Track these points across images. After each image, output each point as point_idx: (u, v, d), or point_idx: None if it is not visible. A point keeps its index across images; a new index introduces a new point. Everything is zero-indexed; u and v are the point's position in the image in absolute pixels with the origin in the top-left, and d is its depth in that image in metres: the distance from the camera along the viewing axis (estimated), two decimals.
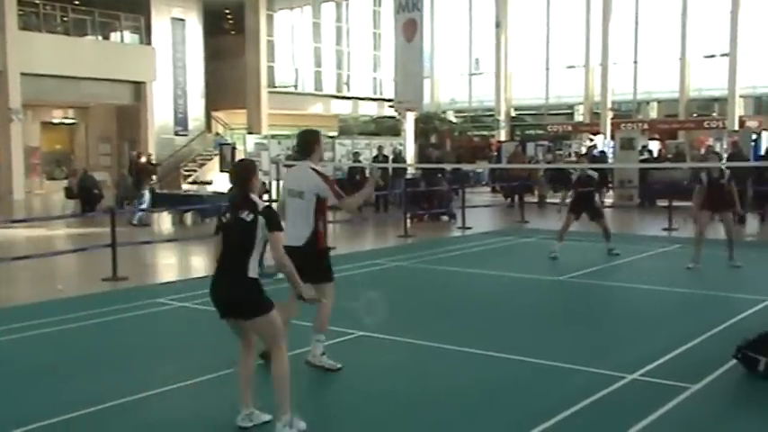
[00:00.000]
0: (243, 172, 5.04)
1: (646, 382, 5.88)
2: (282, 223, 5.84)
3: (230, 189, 5.21)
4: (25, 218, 18.92)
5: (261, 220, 4.82)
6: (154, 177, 20.17)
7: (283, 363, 4.89)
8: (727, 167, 11.66)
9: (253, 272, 4.85)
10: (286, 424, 4.78)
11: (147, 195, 18.49)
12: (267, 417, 5.03)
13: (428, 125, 38.28)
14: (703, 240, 10.93)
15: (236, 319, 4.92)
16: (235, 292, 4.84)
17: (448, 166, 22.08)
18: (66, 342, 7.42)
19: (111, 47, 31.25)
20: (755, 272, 10.80)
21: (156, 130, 31.79)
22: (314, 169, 6.19)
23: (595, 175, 12.59)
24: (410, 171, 22.58)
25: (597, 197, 12.76)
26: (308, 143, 6.31)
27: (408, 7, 28.23)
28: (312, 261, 6.06)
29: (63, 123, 35.02)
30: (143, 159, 19.76)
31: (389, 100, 34.42)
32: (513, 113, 44.50)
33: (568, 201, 12.45)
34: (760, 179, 16.32)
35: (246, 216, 4.82)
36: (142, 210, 17.77)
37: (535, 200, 22.67)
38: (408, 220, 16.54)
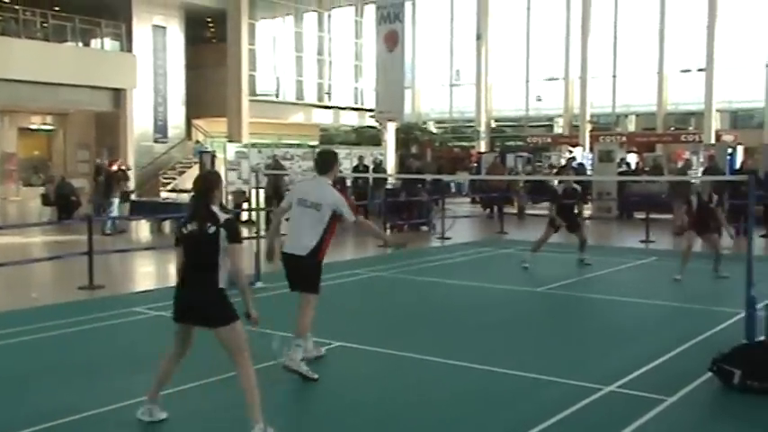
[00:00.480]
0: (205, 183, 5.14)
1: (623, 395, 5.92)
2: (290, 231, 6.52)
3: (191, 200, 5.24)
4: (1, 225, 18.72)
5: (222, 232, 4.89)
6: (131, 185, 19.99)
7: (249, 374, 4.93)
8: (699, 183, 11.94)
9: (222, 282, 4.94)
10: None
11: (116, 203, 18.29)
12: (164, 414, 5.19)
13: (409, 135, 38.38)
14: (690, 256, 11.08)
15: (196, 326, 5.05)
16: (203, 301, 4.95)
17: (428, 177, 22.13)
18: (43, 351, 7.34)
19: (91, 53, 31.07)
20: (731, 285, 10.90)
21: (136, 137, 31.60)
22: (333, 186, 6.62)
23: (579, 187, 12.78)
24: (390, 181, 22.61)
25: (576, 209, 12.93)
26: (328, 162, 6.71)
27: (390, 18, 28.38)
28: (308, 271, 6.44)
29: (41, 130, 34.71)
30: (114, 167, 19.51)
31: (371, 110, 34.52)
32: (494, 125, 44.77)
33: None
34: (735, 193, 16.50)
35: (209, 228, 4.90)
36: (112, 218, 17.58)
37: (515, 211, 22.78)
38: (388, 231, 16.55)
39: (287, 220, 6.84)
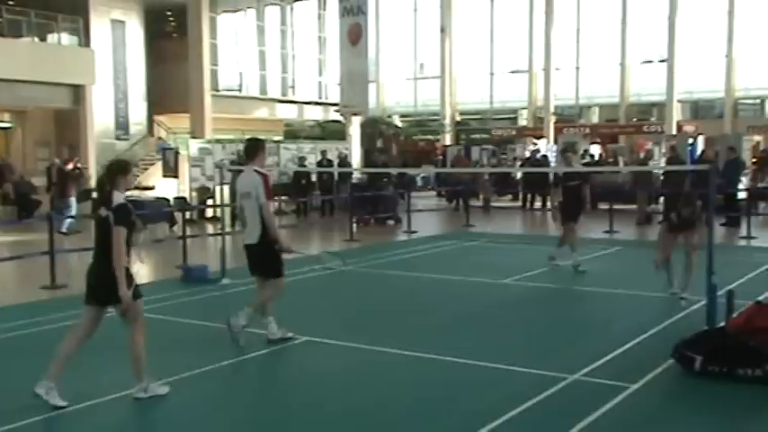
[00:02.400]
0: (110, 171, 5.63)
1: (588, 382, 5.99)
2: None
3: (97, 185, 5.79)
4: None
5: (112, 216, 5.40)
6: (92, 183, 19.59)
7: (139, 341, 5.60)
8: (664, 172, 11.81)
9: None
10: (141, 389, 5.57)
11: (72, 202, 17.91)
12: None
13: (374, 129, 38.34)
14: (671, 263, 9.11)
15: (98, 305, 5.57)
16: (99, 279, 5.46)
17: (393, 171, 22.13)
18: (6, 352, 7.21)
19: (49, 49, 30.42)
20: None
21: (97, 134, 31.10)
22: (257, 171, 7.16)
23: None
24: (356, 175, 22.56)
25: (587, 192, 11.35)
26: (253, 149, 7.31)
27: (353, 11, 28.31)
28: (263, 257, 7.06)
29: None
30: (70, 166, 19.07)
31: (335, 104, 34.39)
32: (458, 118, 44.90)
33: (557, 202, 11.31)
34: (697, 182, 16.75)
35: (102, 212, 5.46)
36: (70, 217, 17.21)
37: (480, 204, 22.89)
38: (354, 225, 16.53)
39: None
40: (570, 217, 11.33)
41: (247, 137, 8.03)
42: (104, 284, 5.42)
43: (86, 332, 5.65)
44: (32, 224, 16.40)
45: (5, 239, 16.26)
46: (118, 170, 5.60)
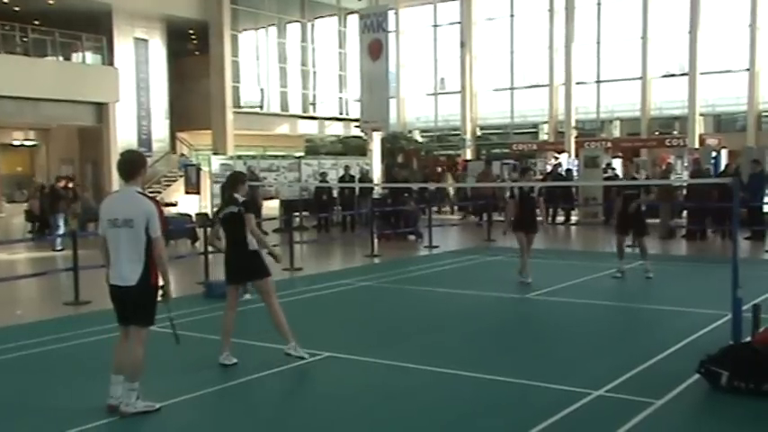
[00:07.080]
0: (230, 181, 7.24)
1: (611, 398, 5.92)
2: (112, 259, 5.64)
3: (222, 192, 7.31)
4: None
5: (243, 209, 6.91)
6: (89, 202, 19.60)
7: (276, 310, 6.94)
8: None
9: (252, 246, 6.92)
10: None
11: (61, 221, 18.08)
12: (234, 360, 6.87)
13: (394, 145, 38.38)
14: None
15: (237, 284, 7.17)
16: (241, 262, 6.95)
17: (414, 186, 22.13)
18: (28, 368, 7.26)
19: (73, 67, 30.85)
20: (716, 287, 10.95)
21: (120, 151, 31.38)
22: (143, 194, 5.73)
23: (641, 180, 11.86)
24: (377, 191, 22.59)
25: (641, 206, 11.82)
26: (134, 165, 5.78)
27: (374, 27, 28.43)
28: (142, 300, 5.62)
29: (23, 145, 34.53)
30: (61, 184, 19.25)
31: (356, 120, 34.49)
32: (479, 132, 44.86)
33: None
34: (721, 197, 16.60)
35: (233, 209, 6.94)
36: (60, 235, 17.31)
37: (502, 219, 22.77)
38: (375, 240, 16.54)
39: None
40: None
41: (124, 151, 6.36)
42: (244, 266, 6.91)
43: (234, 307, 7.01)
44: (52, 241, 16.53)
45: (30, 256, 16.45)
46: (236, 180, 7.19)
